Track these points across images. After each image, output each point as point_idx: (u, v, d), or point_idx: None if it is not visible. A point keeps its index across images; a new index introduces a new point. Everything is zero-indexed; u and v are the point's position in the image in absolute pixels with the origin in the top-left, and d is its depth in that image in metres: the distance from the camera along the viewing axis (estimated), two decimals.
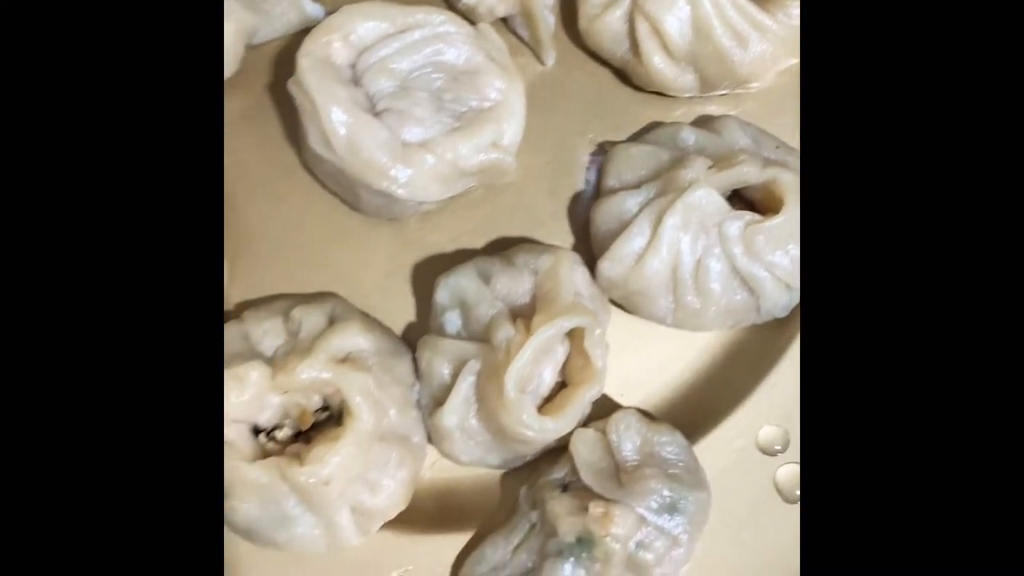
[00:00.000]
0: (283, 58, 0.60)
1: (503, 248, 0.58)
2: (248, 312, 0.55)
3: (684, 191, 0.51)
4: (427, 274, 0.58)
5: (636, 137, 0.59)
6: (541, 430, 0.49)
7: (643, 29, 0.55)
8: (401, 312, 0.58)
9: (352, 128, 0.50)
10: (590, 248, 0.57)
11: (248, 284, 0.58)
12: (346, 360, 0.51)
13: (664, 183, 0.53)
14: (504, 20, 0.59)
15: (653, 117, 0.60)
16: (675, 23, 0.54)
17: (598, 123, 0.60)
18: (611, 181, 0.56)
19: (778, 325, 0.55)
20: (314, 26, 0.59)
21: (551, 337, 0.49)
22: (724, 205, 0.52)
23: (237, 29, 0.56)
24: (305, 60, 0.51)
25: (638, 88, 0.59)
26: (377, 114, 0.52)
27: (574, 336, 0.51)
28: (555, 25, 0.59)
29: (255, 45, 0.59)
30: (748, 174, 0.52)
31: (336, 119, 0.50)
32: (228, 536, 0.51)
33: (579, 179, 0.59)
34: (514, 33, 0.60)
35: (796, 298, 0.54)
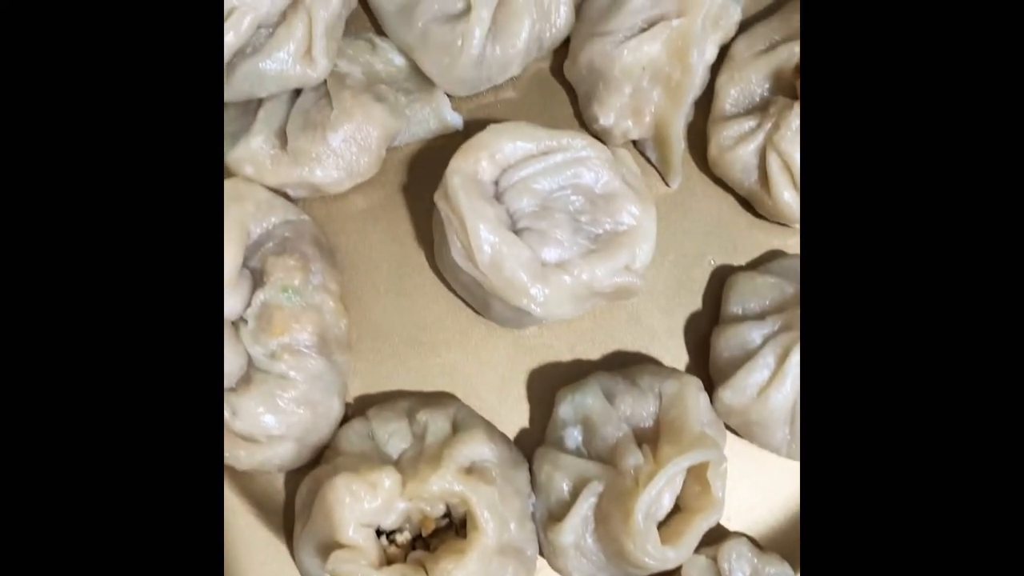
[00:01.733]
0: (417, 160, 0.62)
1: (619, 361, 0.60)
2: (373, 411, 0.56)
3: None
4: (543, 381, 0.60)
5: (757, 264, 0.60)
6: (663, 559, 0.50)
7: (775, 164, 0.57)
8: (515, 417, 0.59)
9: (497, 247, 0.52)
10: (706, 368, 0.59)
11: (368, 378, 0.59)
12: (472, 471, 0.52)
13: (790, 318, 0.55)
14: (633, 141, 0.61)
15: (773, 245, 0.61)
16: None
17: (717, 246, 0.61)
18: (734, 308, 0.58)
19: None
20: (450, 131, 0.62)
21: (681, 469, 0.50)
22: None
23: (382, 134, 0.58)
24: (456, 177, 0.53)
25: (759, 215, 0.61)
26: (518, 231, 0.54)
27: (696, 464, 0.52)
28: (684, 147, 0.61)
29: (393, 147, 0.61)
30: None
31: (483, 237, 0.52)
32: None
33: (696, 300, 0.61)
34: (642, 154, 0.62)
35: None
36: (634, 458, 0.51)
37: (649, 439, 0.53)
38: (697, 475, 0.52)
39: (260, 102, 0.58)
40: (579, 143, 0.56)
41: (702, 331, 0.60)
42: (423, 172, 0.62)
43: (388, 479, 0.50)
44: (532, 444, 0.57)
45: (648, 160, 0.62)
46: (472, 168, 0.54)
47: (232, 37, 0.54)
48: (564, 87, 0.63)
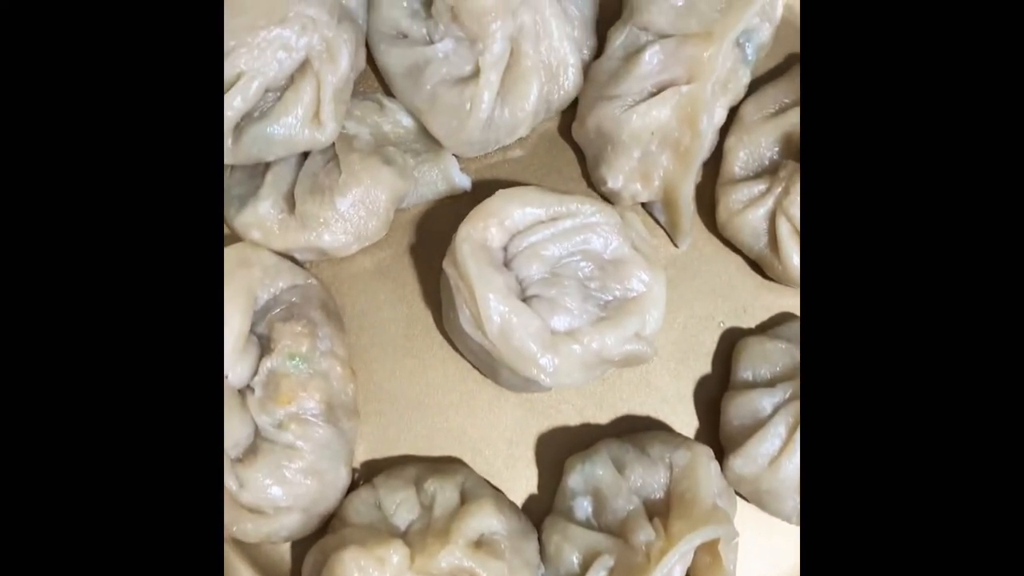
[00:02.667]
0: (425, 221, 0.62)
1: (628, 426, 0.60)
2: (380, 478, 0.56)
3: None
4: (552, 446, 0.59)
5: (767, 327, 0.60)
6: None
7: (785, 229, 0.57)
8: (524, 482, 0.59)
9: (506, 316, 0.51)
10: (716, 433, 0.58)
11: (375, 442, 0.59)
12: (481, 544, 0.51)
13: (800, 385, 0.54)
14: (642, 203, 0.61)
15: (784, 307, 0.61)
16: None
17: (727, 308, 0.61)
18: (744, 374, 0.57)
19: None
20: (458, 193, 0.62)
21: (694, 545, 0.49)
22: None
23: (390, 197, 0.58)
24: (465, 245, 0.53)
25: (769, 277, 0.61)
26: (527, 299, 0.53)
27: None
28: (694, 210, 0.61)
29: (401, 208, 0.61)
30: None
31: (493, 307, 0.51)
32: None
33: (706, 363, 0.60)
34: (651, 215, 0.62)
35: None
36: (645, 533, 0.50)
37: (660, 511, 0.52)
38: (708, 547, 0.52)
39: (268, 165, 0.58)
40: (588, 208, 0.55)
41: (712, 395, 0.59)
42: (431, 233, 0.61)
43: (396, 554, 0.49)
44: (541, 510, 0.57)
45: (657, 221, 0.62)
46: (481, 235, 0.54)
47: (239, 102, 0.54)
48: (572, 147, 0.63)
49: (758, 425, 0.54)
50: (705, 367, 0.60)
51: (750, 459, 0.54)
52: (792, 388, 0.55)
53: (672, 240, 0.61)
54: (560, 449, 0.58)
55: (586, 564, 0.52)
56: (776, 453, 0.53)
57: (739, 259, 0.62)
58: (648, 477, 0.53)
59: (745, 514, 0.56)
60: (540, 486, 0.58)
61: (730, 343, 0.60)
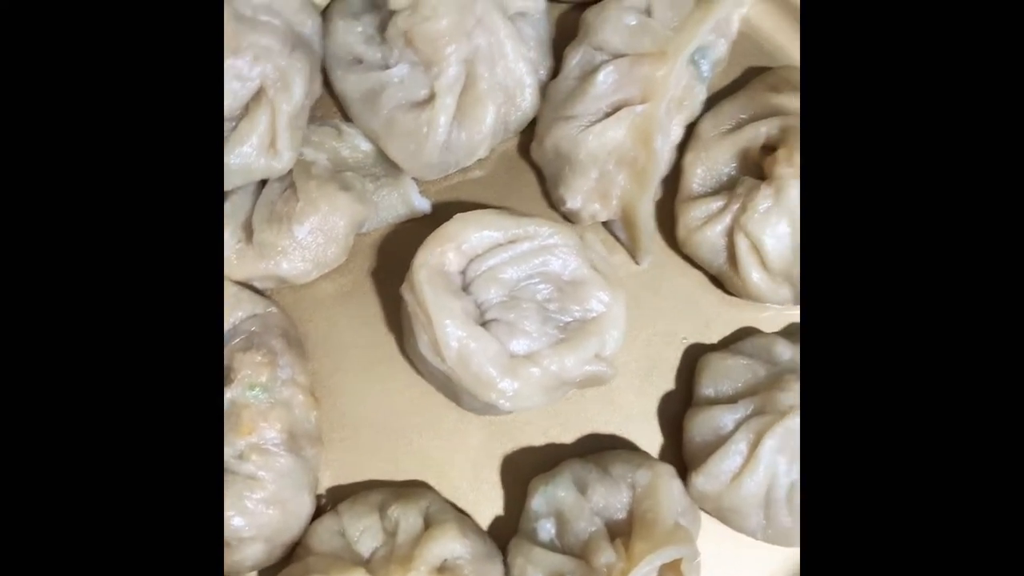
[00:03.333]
0: (386, 245, 0.62)
1: (593, 444, 0.60)
2: (344, 505, 0.56)
3: (784, 415, 0.53)
4: (517, 467, 0.59)
5: (729, 343, 0.60)
6: None
7: (743, 245, 0.57)
8: (490, 504, 0.59)
9: (464, 342, 0.52)
10: (680, 450, 0.58)
11: (340, 468, 0.59)
12: (444, 570, 0.51)
13: (762, 402, 0.54)
14: (604, 222, 0.61)
15: (745, 322, 0.61)
16: (775, 244, 0.56)
17: (689, 325, 0.61)
18: (706, 391, 0.57)
19: None
20: (418, 216, 0.62)
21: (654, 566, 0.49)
22: None
23: (349, 223, 0.58)
24: (422, 271, 0.53)
25: (730, 293, 0.61)
26: (486, 323, 0.53)
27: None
28: (654, 227, 0.61)
29: (362, 233, 0.61)
30: None
31: (450, 333, 0.51)
32: None
33: (669, 379, 0.60)
34: (612, 233, 0.62)
35: None
36: (606, 556, 0.50)
37: (623, 532, 0.52)
38: (671, 566, 0.52)
39: (225, 195, 0.58)
40: (546, 231, 0.55)
41: (676, 411, 0.59)
42: (392, 257, 0.61)
43: None
44: (508, 531, 0.57)
45: (618, 239, 0.62)
46: (438, 260, 0.54)
47: None
48: (532, 166, 0.63)
49: (720, 442, 0.54)
50: (669, 384, 0.60)
51: (712, 476, 0.54)
52: (754, 404, 0.55)
53: (633, 258, 0.62)
54: (525, 470, 0.58)
55: None
56: (737, 470, 0.54)
57: (701, 275, 0.62)
58: (610, 498, 0.53)
59: (712, 531, 0.57)
60: (506, 507, 0.58)
61: (694, 359, 0.60)
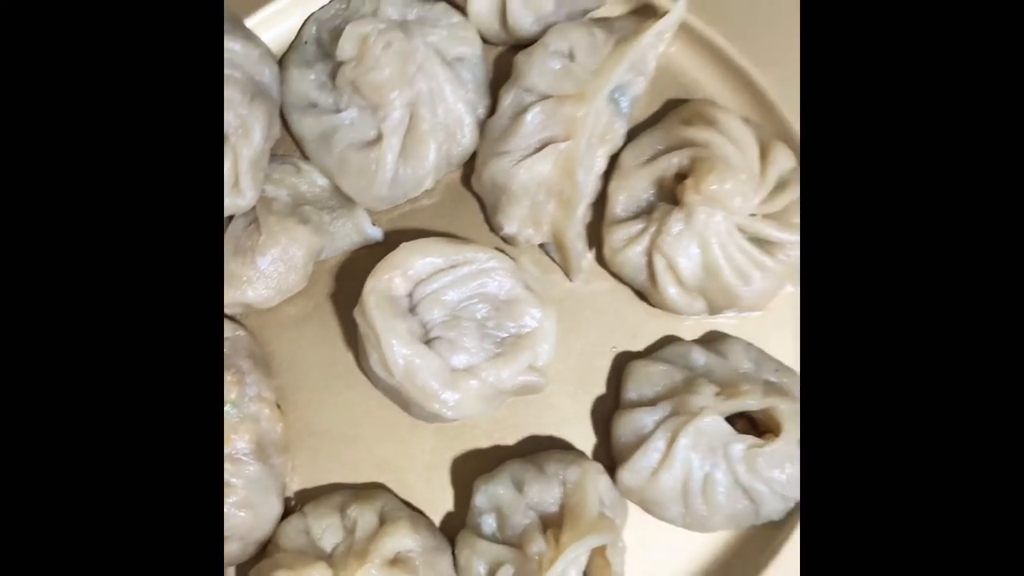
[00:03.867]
0: (342, 270, 0.68)
1: (533, 445, 0.66)
2: (309, 506, 0.62)
3: (695, 416, 0.59)
4: (464, 467, 0.66)
5: (652, 350, 0.67)
6: None
7: (660, 264, 0.63)
8: (441, 503, 0.65)
9: (409, 359, 0.58)
10: (610, 450, 0.65)
11: (306, 473, 0.65)
12: (396, 562, 0.58)
13: (677, 404, 0.61)
14: (540, 244, 0.68)
15: (667, 330, 0.68)
16: (687, 262, 0.63)
17: (618, 335, 0.68)
18: (630, 394, 0.64)
19: (775, 526, 0.63)
20: (371, 243, 0.69)
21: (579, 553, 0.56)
22: (729, 430, 0.60)
23: (307, 253, 0.64)
24: (372, 297, 0.59)
25: (653, 305, 0.67)
26: (430, 341, 0.60)
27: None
28: (584, 249, 0.67)
29: (320, 260, 0.67)
30: (750, 404, 0.60)
31: (397, 351, 0.58)
32: None
33: (601, 384, 0.67)
34: (547, 254, 0.68)
35: (791, 505, 0.62)
36: (538, 545, 0.57)
37: (555, 524, 0.59)
38: (600, 551, 0.59)
39: None
40: (483, 256, 0.62)
41: (607, 413, 0.66)
42: (348, 281, 0.68)
43: (319, 575, 0.56)
44: (457, 526, 0.63)
45: (553, 259, 0.68)
46: (386, 286, 0.60)
47: None
48: (474, 195, 0.70)
49: (640, 441, 0.61)
50: (601, 388, 0.67)
51: (635, 472, 0.61)
52: (671, 406, 0.61)
53: (567, 276, 0.68)
54: (472, 470, 0.64)
55: (491, 573, 0.59)
56: (656, 466, 0.60)
57: (628, 290, 0.68)
58: (544, 493, 0.60)
59: (640, 520, 0.63)
60: (455, 504, 0.65)
61: (621, 365, 0.67)
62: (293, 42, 0.70)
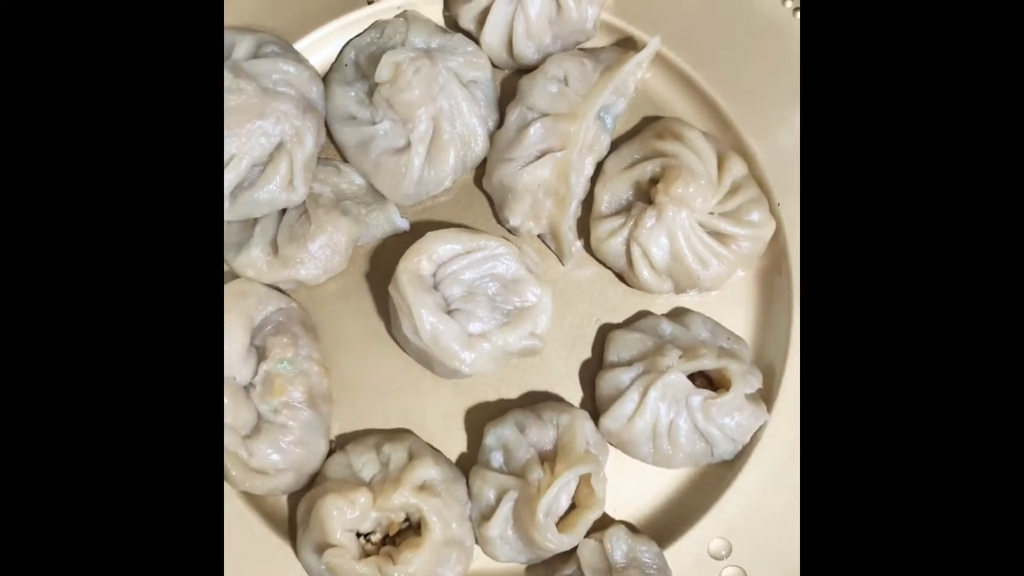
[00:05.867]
0: (375, 254, 0.82)
1: (532, 399, 0.80)
2: (350, 445, 0.75)
3: (663, 374, 0.73)
4: (476, 417, 0.79)
5: (629, 323, 0.81)
6: (560, 544, 0.70)
7: (636, 252, 0.77)
8: (456, 444, 0.78)
9: (435, 325, 0.72)
10: (594, 402, 0.79)
11: (346, 420, 0.78)
12: (423, 487, 0.72)
13: (649, 364, 0.75)
14: (539, 235, 0.82)
15: (641, 306, 0.81)
16: (658, 251, 0.77)
17: (601, 310, 0.81)
18: (611, 357, 0.78)
19: (726, 465, 0.77)
20: (400, 232, 0.82)
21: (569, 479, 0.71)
22: (689, 385, 0.74)
23: (348, 239, 0.78)
24: (403, 275, 0.73)
25: (631, 286, 0.82)
26: (450, 312, 0.74)
27: (582, 474, 0.73)
28: (574, 239, 0.82)
29: (357, 246, 0.81)
30: (706, 364, 0.74)
31: (425, 319, 0.72)
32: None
33: (587, 350, 0.80)
34: (545, 244, 0.82)
35: (739, 447, 0.76)
36: (537, 473, 0.71)
37: (550, 458, 0.73)
38: (586, 481, 0.73)
39: (256, 220, 0.78)
40: (494, 244, 0.76)
41: (592, 373, 0.79)
42: (380, 263, 0.81)
43: (363, 497, 0.69)
44: (469, 463, 0.76)
45: (549, 248, 0.82)
46: (415, 267, 0.74)
47: (233, 175, 0.74)
48: (485, 193, 0.83)
49: (619, 394, 0.75)
50: (587, 353, 0.80)
51: (614, 419, 0.75)
52: (643, 366, 0.75)
53: (560, 261, 0.82)
54: (482, 418, 0.77)
55: (499, 498, 0.72)
56: (631, 413, 0.74)
57: (609, 272, 0.82)
58: (541, 434, 0.74)
59: (617, 459, 0.77)
60: (468, 445, 0.78)
61: (604, 334, 0.80)
62: (334, 64, 0.83)
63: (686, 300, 0.82)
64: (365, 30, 0.83)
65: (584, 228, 0.82)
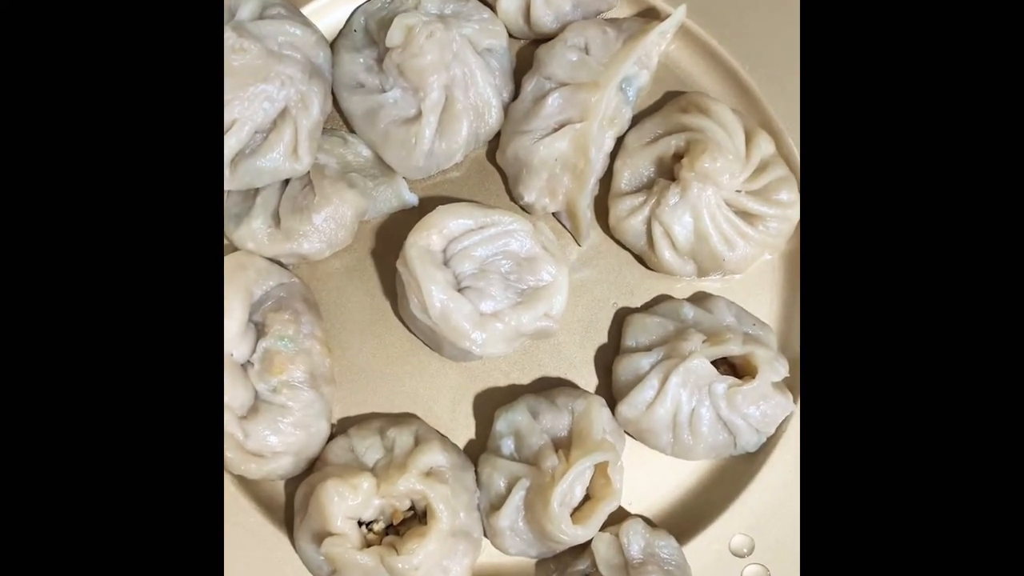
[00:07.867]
0: (382, 230, 0.78)
1: (544, 385, 0.76)
2: (352, 429, 0.72)
3: (685, 359, 0.70)
4: (485, 402, 0.76)
5: (648, 307, 0.77)
6: (574, 536, 0.66)
7: (658, 231, 0.74)
8: (464, 430, 0.75)
9: (445, 303, 0.68)
10: (610, 389, 0.75)
11: (348, 403, 0.75)
12: (430, 474, 0.68)
13: (669, 349, 0.71)
14: (553, 213, 0.78)
15: (661, 290, 0.78)
16: (681, 230, 0.73)
17: (618, 292, 0.78)
18: (629, 342, 0.74)
19: (749, 457, 0.73)
20: (408, 207, 0.79)
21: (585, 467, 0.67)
22: (713, 371, 0.70)
23: (354, 213, 0.74)
24: (412, 249, 0.69)
25: (650, 268, 0.78)
26: (461, 290, 0.70)
27: (598, 463, 0.69)
28: (592, 218, 0.78)
29: (363, 221, 0.77)
30: (732, 350, 0.70)
31: (435, 296, 0.68)
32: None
33: (603, 335, 0.77)
34: (560, 222, 0.78)
35: (763, 439, 0.73)
36: (551, 461, 0.67)
37: (564, 446, 0.69)
38: (601, 470, 0.69)
39: (258, 190, 0.74)
40: (507, 219, 0.72)
41: (608, 359, 0.76)
42: (387, 240, 0.78)
43: (366, 482, 0.66)
44: (477, 451, 0.73)
45: (564, 227, 0.79)
46: (425, 241, 0.70)
47: (235, 142, 0.70)
48: (497, 169, 0.80)
49: (638, 380, 0.71)
50: (603, 338, 0.77)
51: (632, 406, 0.71)
52: (664, 351, 0.72)
53: (576, 241, 0.78)
54: (491, 403, 0.74)
55: (510, 487, 0.68)
56: (651, 401, 0.70)
57: (628, 254, 0.79)
58: (555, 421, 0.70)
59: (634, 450, 0.74)
60: (477, 432, 0.75)
61: (621, 318, 0.77)
62: (343, 30, 0.79)
63: (707, 285, 0.78)
64: None
65: (601, 207, 0.78)
